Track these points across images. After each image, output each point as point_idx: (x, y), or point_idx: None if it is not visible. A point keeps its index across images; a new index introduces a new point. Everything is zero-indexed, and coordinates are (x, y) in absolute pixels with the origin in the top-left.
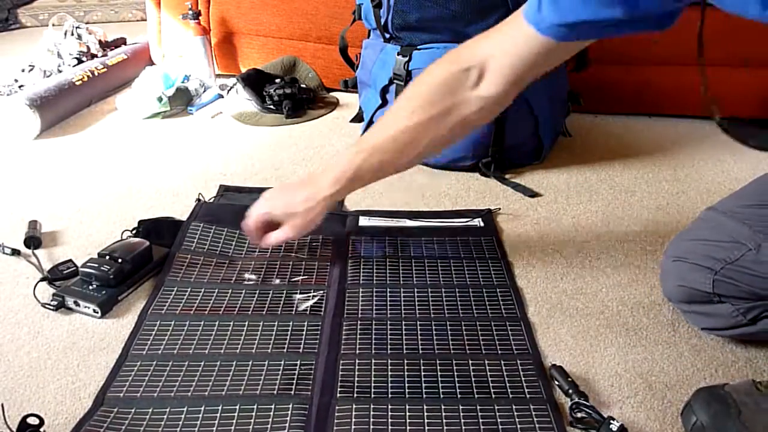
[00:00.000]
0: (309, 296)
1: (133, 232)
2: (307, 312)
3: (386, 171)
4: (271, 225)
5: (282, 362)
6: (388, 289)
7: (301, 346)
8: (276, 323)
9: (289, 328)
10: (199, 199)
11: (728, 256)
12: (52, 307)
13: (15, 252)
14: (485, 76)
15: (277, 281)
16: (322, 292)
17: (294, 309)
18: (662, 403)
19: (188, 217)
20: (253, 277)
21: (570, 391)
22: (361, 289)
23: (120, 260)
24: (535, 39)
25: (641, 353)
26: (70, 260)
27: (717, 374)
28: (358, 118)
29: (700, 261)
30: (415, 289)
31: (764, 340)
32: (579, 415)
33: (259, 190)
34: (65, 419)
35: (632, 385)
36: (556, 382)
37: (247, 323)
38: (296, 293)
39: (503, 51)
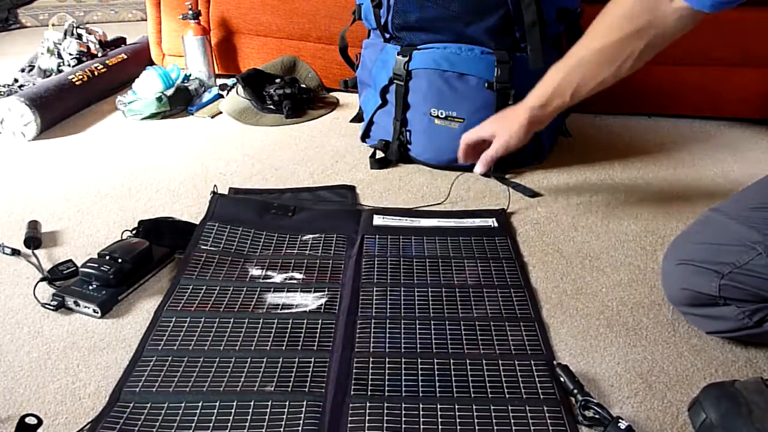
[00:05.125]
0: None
1: (133, 232)
2: (321, 310)
3: (586, 87)
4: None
5: (296, 359)
6: (403, 289)
7: (315, 343)
8: (290, 320)
9: (304, 326)
10: (214, 192)
11: (737, 260)
12: (52, 307)
13: (15, 252)
14: None
15: (292, 279)
16: (336, 290)
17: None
18: (662, 403)
19: (204, 215)
20: (269, 274)
21: (575, 390)
22: (375, 288)
23: (120, 260)
24: None
25: (641, 353)
26: (70, 260)
27: (717, 374)
28: (358, 118)
29: (706, 264)
30: (429, 289)
31: (766, 341)
32: (587, 413)
33: (270, 192)
34: (65, 419)
35: (632, 385)
36: (562, 379)
37: (261, 320)
38: (298, 292)
39: None
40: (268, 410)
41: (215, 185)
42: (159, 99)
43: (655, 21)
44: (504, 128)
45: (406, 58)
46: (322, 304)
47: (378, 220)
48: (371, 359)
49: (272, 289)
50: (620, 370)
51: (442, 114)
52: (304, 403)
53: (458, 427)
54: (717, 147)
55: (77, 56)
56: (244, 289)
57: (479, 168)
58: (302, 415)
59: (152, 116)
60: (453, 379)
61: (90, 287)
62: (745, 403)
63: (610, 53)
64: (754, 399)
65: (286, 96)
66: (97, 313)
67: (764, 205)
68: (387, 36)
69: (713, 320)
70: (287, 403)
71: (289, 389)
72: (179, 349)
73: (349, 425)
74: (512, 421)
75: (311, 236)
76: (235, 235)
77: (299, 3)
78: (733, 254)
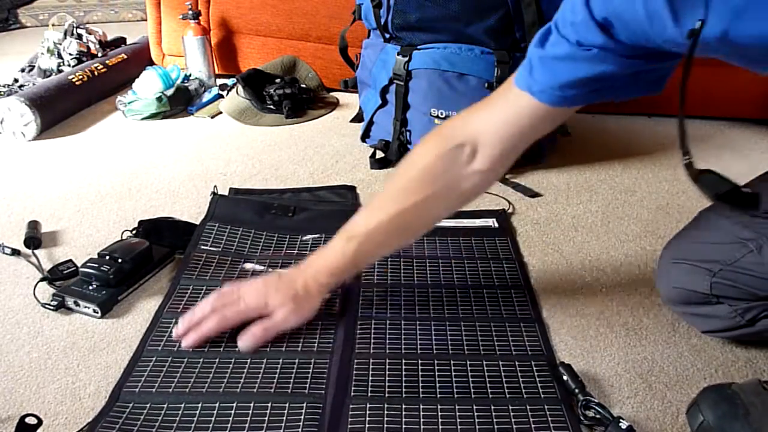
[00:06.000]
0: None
1: (133, 232)
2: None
3: (383, 253)
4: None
5: (296, 361)
6: (403, 289)
7: (315, 344)
8: None
9: (304, 327)
10: (214, 193)
11: (728, 258)
12: (52, 307)
13: (15, 252)
14: (478, 150)
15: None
16: (336, 291)
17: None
18: (662, 403)
19: (205, 216)
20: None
21: (576, 390)
22: (375, 289)
23: (120, 260)
24: (528, 105)
25: (641, 353)
26: (70, 260)
27: (717, 374)
28: (358, 118)
29: (698, 263)
30: (430, 289)
31: (765, 340)
32: (588, 413)
33: (271, 192)
34: (65, 419)
35: (632, 385)
36: (565, 378)
37: None
38: None
39: (495, 123)
40: (267, 412)
41: (215, 186)
42: (159, 99)
43: (452, 184)
44: (293, 310)
45: (406, 58)
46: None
47: None
48: (371, 360)
49: None
50: (620, 370)
51: (442, 114)
52: (304, 404)
53: (459, 428)
54: (717, 147)
55: (77, 56)
56: None
57: (247, 343)
58: (302, 417)
59: (152, 116)
60: (453, 379)
61: (90, 287)
62: (742, 404)
63: (406, 219)
64: (752, 400)
65: (286, 96)
66: (97, 313)
67: None
68: (387, 36)
69: (707, 319)
70: (287, 405)
71: (289, 390)
72: (179, 350)
73: (349, 426)
74: (513, 421)
75: (311, 236)
76: (235, 236)
77: (299, 3)
78: (724, 252)
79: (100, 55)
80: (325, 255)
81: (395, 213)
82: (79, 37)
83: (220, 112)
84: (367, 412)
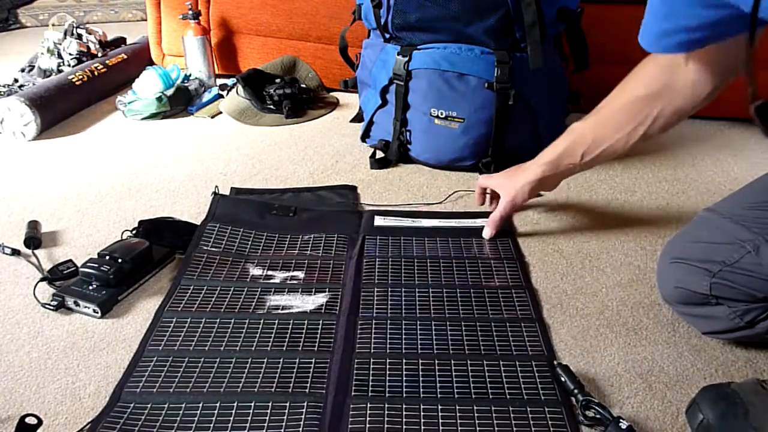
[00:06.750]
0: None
1: (133, 232)
2: (322, 311)
3: (597, 149)
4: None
5: (297, 360)
6: (403, 289)
7: (316, 344)
8: (291, 321)
9: (304, 326)
10: (215, 193)
11: (727, 258)
12: (52, 307)
13: (15, 252)
14: (691, 58)
15: (293, 280)
16: (337, 291)
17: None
18: (662, 403)
19: (206, 216)
20: (270, 274)
21: (576, 390)
22: (376, 289)
23: (120, 260)
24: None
25: (641, 353)
26: (70, 260)
27: (717, 374)
28: (358, 118)
29: (697, 263)
30: (430, 289)
31: (766, 342)
32: (588, 413)
33: (272, 192)
34: (65, 419)
35: (632, 385)
36: (563, 379)
37: (262, 321)
38: (296, 292)
39: None
40: (268, 411)
41: (216, 186)
42: (159, 99)
43: (669, 86)
44: (510, 186)
45: (406, 58)
46: (322, 305)
47: (379, 221)
48: (372, 360)
49: (273, 290)
50: (620, 370)
51: (442, 114)
52: (305, 403)
53: (459, 428)
54: (717, 147)
55: (77, 56)
56: (245, 289)
57: (487, 231)
58: (303, 416)
59: (152, 116)
60: (454, 379)
61: (90, 287)
62: (741, 403)
63: (624, 116)
64: (751, 399)
65: (286, 96)
66: (97, 313)
67: (758, 204)
68: (387, 36)
69: (706, 320)
70: (288, 404)
71: (290, 390)
72: (180, 350)
73: (349, 426)
74: (513, 421)
75: (312, 236)
76: (236, 236)
77: (299, 3)
78: (724, 253)
79: (100, 55)
80: (553, 143)
81: (614, 108)
82: (79, 37)
83: (220, 112)
84: (368, 411)
